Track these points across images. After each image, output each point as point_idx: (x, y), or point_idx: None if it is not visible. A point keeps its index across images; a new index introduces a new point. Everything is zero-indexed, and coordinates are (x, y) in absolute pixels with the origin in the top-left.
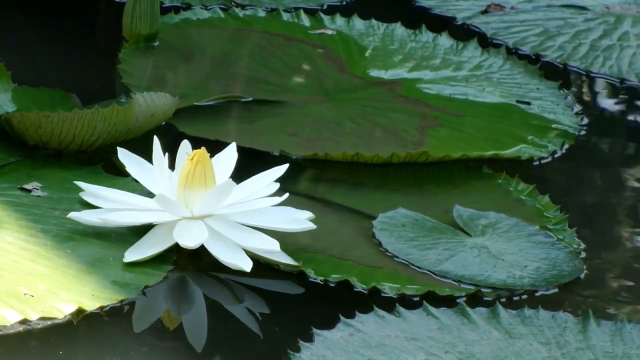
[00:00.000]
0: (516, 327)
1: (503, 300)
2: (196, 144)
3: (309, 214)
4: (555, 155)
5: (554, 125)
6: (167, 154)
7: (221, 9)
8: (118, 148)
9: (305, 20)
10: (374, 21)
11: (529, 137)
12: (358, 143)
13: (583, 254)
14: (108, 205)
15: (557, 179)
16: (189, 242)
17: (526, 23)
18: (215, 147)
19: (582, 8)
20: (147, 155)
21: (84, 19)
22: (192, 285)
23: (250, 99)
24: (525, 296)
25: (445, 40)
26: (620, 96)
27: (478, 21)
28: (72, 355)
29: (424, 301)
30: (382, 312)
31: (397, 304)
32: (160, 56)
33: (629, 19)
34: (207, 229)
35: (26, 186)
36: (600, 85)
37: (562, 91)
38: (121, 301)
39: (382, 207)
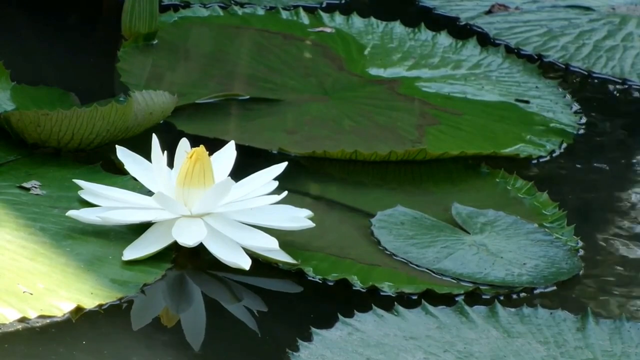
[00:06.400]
0: (515, 326)
1: (502, 298)
2: (195, 142)
3: (307, 212)
4: (554, 154)
5: (552, 124)
6: (165, 152)
7: (220, 7)
8: (117, 146)
9: (305, 19)
10: (373, 19)
11: (528, 136)
12: (357, 141)
13: (581, 252)
14: (107, 204)
15: (556, 177)
16: (188, 240)
17: (530, 23)
18: (214, 145)
19: (588, 9)
20: (146, 154)
21: (82, 18)
22: (191, 283)
23: (249, 97)
24: (523, 294)
25: (444, 39)
26: (620, 95)
27: (481, 21)
28: (71, 353)
29: (422, 300)
30: (380, 311)
31: (395, 303)
32: (159, 54)
33: (634, 19)
34: (206, 227)
35: (25, 184)
36: (599, 85)
37: (561, 90)
38: (120, 299)
39: (380, 205)
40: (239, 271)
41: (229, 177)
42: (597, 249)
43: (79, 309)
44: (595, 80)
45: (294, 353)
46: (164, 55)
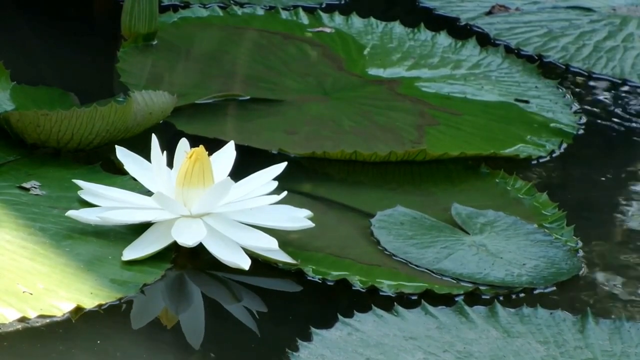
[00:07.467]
0: (514, 326)
1: (501, 298)
2: (194, 142)
3: (307, 212)
4: (554, 155)
5: (552, 124)
6: (165, 152)
7: (220, 7)
8: (116, 146)
9: (304, 19)
10: (372, 19)
11: (527, 136)
12: (357, 141)
13: (581, 252)
14: (106, 204)
15: (555, 177)
16: (188, 240)
17: (530, 24)
18: (213, 146)
19: (588, 9)
20: (146, 154)
21: (82, 18)
22: (191, 283)
23: (249, 97)
24: (523, 294)
25: (443, 39)
26: (619, 96)
27: (482, 22)
28: (71, 353)
29: (422, 300)
30: (380, 311)
31: (395, 303)
32: (159, 55)
33: (634, 20)
34: (206, 227)
35: (25, 185)
36: (599, 85)
37: (560, 90)
38: (120, 299)
39: (380, 205)
40: (239, 271)
41: (229, 177)
42: (597, 249)
43: (78, 309)
44: (596, 81)
45: (294, 353)
46: (164, 55)
